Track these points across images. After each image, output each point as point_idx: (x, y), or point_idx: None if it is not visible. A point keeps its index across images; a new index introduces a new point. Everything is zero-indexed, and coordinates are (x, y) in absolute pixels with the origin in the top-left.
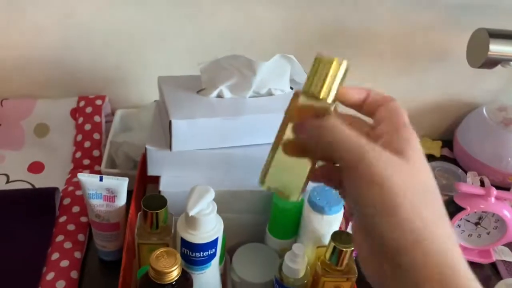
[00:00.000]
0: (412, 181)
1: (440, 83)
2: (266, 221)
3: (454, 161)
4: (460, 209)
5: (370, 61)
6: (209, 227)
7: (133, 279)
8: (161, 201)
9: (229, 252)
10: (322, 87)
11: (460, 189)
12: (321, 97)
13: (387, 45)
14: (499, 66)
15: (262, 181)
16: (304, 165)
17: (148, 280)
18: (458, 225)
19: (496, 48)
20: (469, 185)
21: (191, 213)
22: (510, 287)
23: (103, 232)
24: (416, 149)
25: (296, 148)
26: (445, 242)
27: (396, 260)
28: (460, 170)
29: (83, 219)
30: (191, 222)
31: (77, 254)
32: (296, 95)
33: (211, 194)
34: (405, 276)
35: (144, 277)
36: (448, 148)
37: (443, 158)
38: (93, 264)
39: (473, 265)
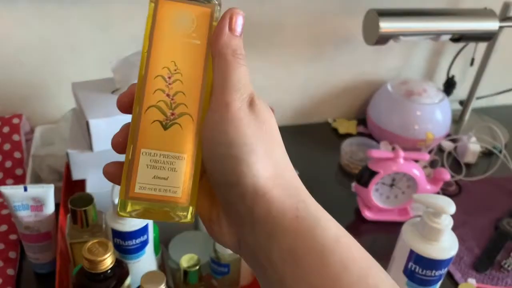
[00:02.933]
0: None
1: (348, 66)
2: None
3: (369, 136)
4: (374, 174)
5: (282, 51)
6: None
7: (70, 284)
8: (88, 199)
9: (165, 245)
10: None
11: (372, 155)
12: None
13: (295, 36)
14: (395, 44)
15: (124, 204)
16: (184, 149)
17: (83, 273)
18: (376, 189)
19: (386, 25)
20: (379, 150)
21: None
22: (414, 226)
23: (34, 244)
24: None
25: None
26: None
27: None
28: (375, 142)
29: (13, 236)
30: None
31: (10, 271)
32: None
33: None
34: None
35: (79, 271)
36: (362, 125)
37: (359, 134)
38: (28, 279)
39: (394, 224)
